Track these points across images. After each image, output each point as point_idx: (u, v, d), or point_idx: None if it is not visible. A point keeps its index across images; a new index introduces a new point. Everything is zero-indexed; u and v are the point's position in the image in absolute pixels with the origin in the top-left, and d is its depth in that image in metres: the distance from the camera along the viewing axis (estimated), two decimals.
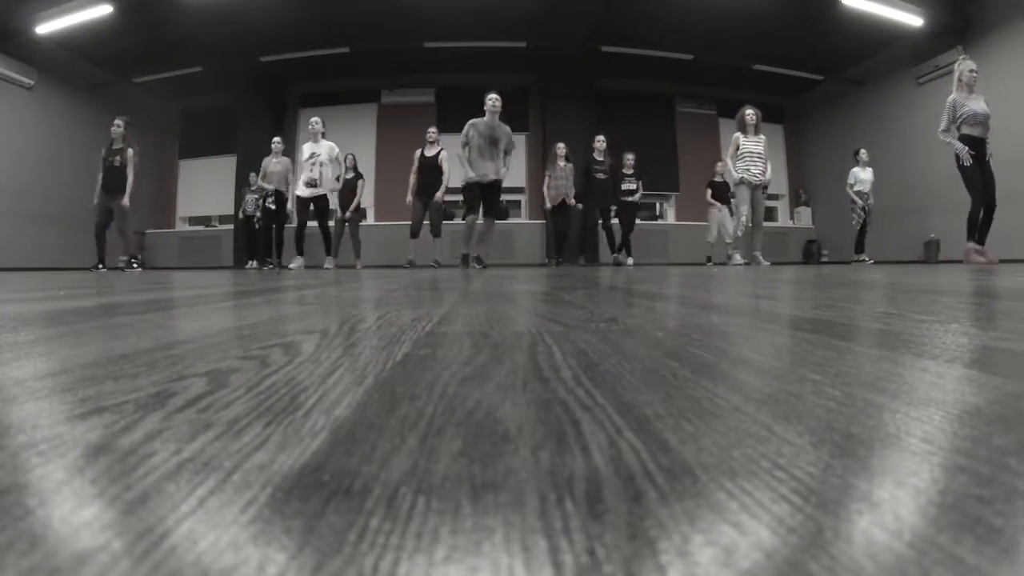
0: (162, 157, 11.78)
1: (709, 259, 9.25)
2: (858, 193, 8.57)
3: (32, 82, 9.46)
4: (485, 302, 1.45)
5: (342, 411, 0.40)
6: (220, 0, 8.73)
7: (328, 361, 0.60)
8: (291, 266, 7.61)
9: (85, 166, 8.45)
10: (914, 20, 9.05)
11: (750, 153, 7.22)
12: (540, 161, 10.46)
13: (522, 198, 11.95)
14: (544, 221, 10.93)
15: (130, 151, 7.30)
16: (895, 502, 0.23)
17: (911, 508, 0.23)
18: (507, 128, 6.91)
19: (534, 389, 0.46)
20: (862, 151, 8.69)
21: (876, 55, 10.13)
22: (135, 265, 7.65)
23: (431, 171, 7.85)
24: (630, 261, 9.06)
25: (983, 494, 0.24)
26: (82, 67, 9.94)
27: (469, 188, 6.83)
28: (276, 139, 8.46)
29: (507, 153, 6.92)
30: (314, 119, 7.65)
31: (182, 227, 12.21)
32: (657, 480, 0.26)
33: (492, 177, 6.80)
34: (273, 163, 8.22)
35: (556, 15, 9.46)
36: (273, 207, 8.14)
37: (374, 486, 0.26)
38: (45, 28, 8.85)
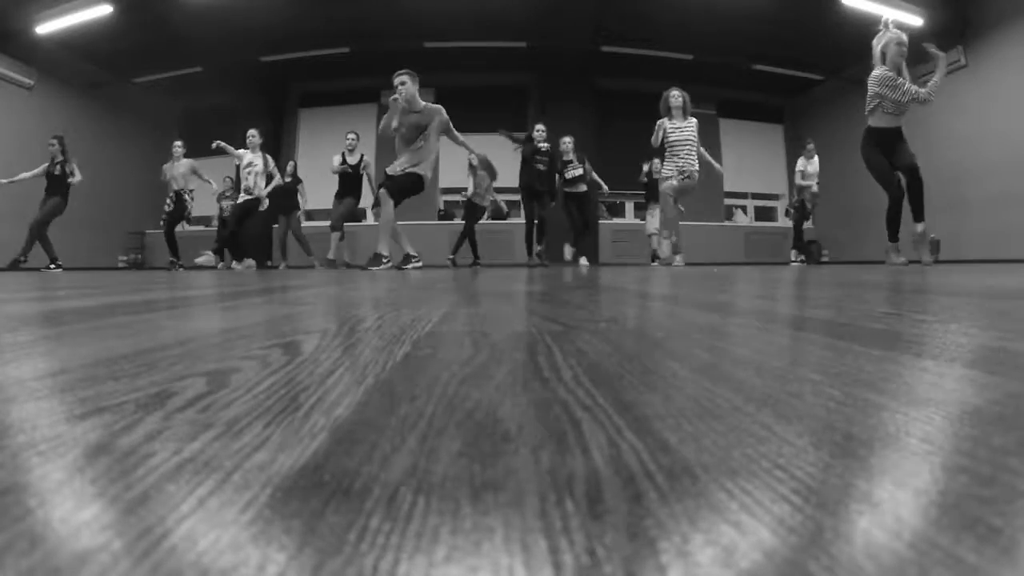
0: (162, 157, 11.78)
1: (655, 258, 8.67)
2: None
3: (32, 82, 9.46)
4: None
5: (342, 411, 0.40)
6: (220, 0, 8.74)
7: (328, 361, 0.61)
8: (241, 267, 8.08)
9: (84, 166, 8.47)
10: (914, 20, 9.05)
11: (679, 143, 6.25)
12: None
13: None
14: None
15: (73, 163, 8.08)
16: (895, 502, 0.23)
17: (911, 508, 0.23)
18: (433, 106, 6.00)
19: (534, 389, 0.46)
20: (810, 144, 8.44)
21: None
22: (52, 267, 8.09)
23: (351, 176, 8.31)
24: (583, 261, 8.24)
25: (983, 494, 0.24)
26: (82, 67, 9.95)
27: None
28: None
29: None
30: (251, 131, 8.18)
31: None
32: (657, 480, 0.26)
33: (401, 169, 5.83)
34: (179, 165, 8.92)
35: (556, 15, 9.47)
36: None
37: (374, 486, 0.26)
38: (45, 28, 8.85)
